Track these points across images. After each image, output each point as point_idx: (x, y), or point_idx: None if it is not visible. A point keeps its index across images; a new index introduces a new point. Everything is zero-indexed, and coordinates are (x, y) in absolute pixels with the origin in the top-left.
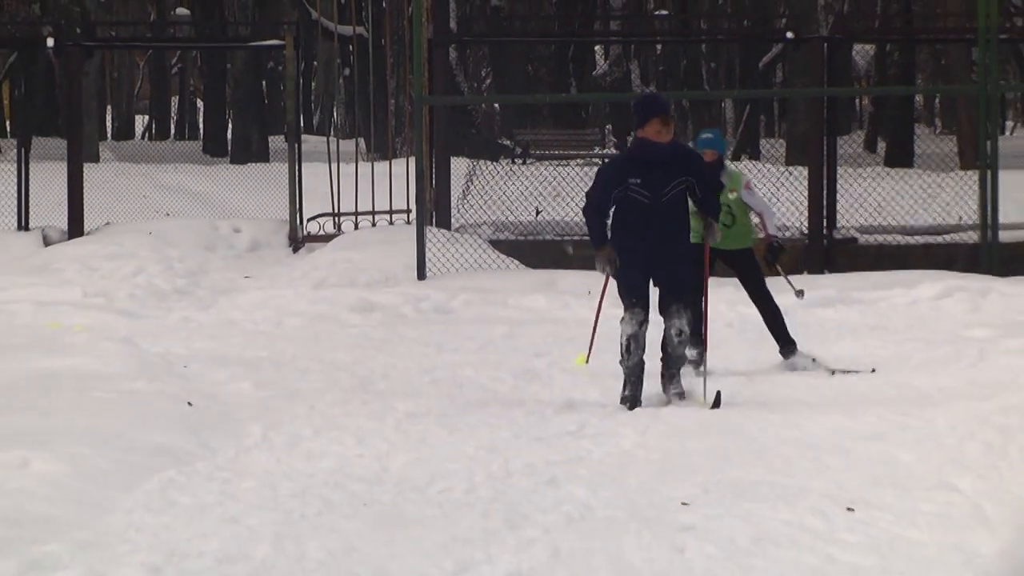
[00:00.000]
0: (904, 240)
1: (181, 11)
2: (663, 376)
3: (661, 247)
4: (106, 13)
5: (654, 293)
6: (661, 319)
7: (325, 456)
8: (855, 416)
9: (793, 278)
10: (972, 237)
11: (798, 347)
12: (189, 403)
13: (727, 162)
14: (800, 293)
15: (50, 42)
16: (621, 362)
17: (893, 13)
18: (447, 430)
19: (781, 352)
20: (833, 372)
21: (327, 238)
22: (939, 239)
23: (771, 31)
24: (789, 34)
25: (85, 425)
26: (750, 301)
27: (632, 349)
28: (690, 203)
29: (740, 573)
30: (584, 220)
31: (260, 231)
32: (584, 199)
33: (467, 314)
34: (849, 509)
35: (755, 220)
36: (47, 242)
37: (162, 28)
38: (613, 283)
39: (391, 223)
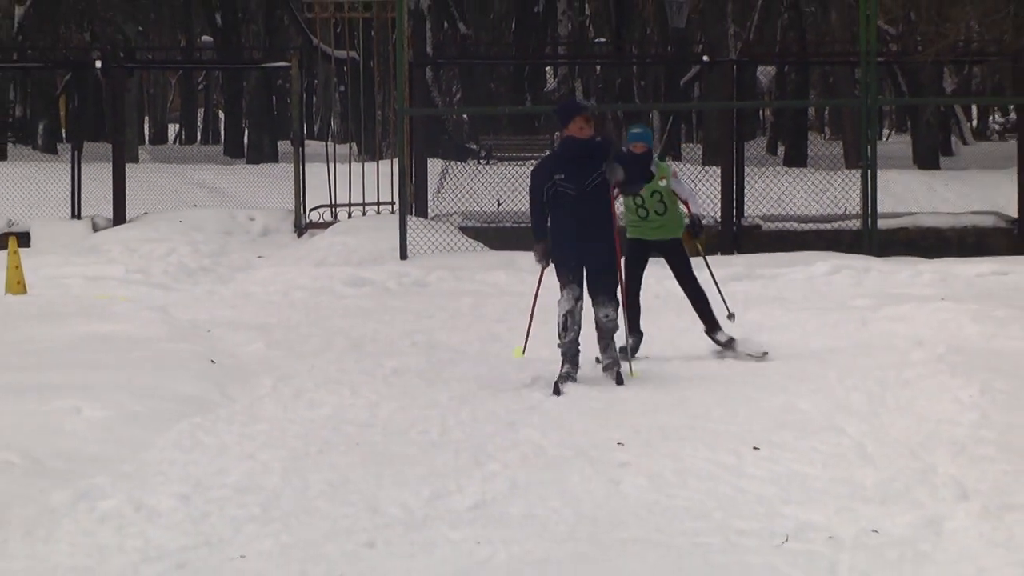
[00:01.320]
0: (800, 227)
1: (206, 38)
2: (599, 343)
3: (588, 233)
4: (144, 40)
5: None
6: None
7: (324, 404)
8: (761, 371)
9: (710, 258)
10: (855, 224)
11: (720, 327)
12: (212, 361)
13: (655, 156)
14: (731, 316)
15: (98, 64)
16: (559, 344)
17: (790, 40)
18: (425, 383)
19: (706, 332)
20: (731, 315)
21: (325, 225)
22: (828, 226)
23: (690, 55)
24: (705, 57)
25: (126, 379)
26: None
27: (568, 325)
28: (629, 199)
29: (667, 501)
30: (532, 217)
31: (270, 219)
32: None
33: (441, 288)
34: (755, 448)
35: (682, 208)
36: (96, 228)
37: (190, 52)
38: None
39: (378, 213)
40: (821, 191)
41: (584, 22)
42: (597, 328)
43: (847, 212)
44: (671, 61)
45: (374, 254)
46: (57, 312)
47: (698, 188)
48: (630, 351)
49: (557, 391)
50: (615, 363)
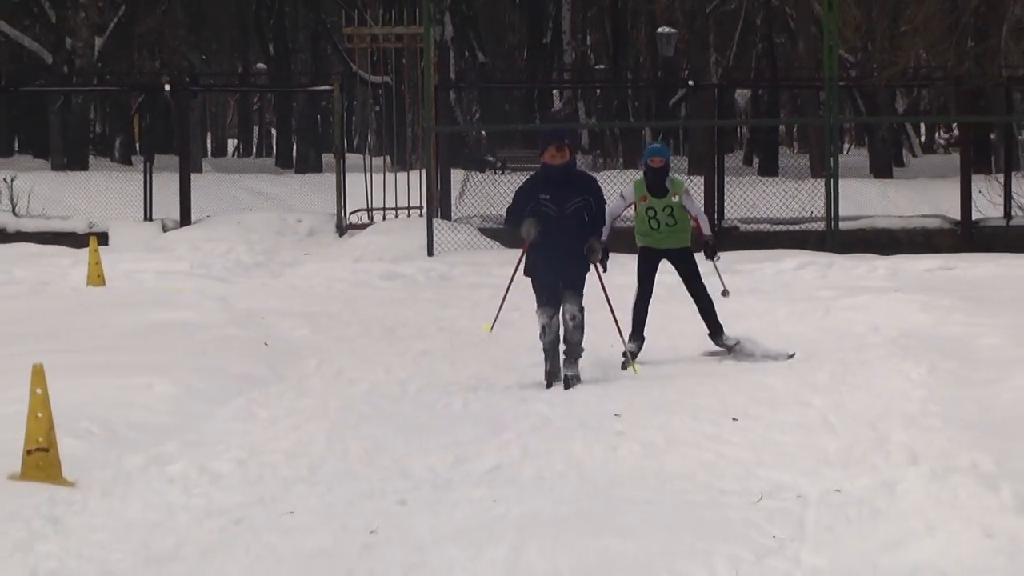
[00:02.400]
0: (772, 228)
1: (260, 65)
2: (563, 352)
3: (565, 251)
4: (206, 66)
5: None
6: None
7: (362, 382)
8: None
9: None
10: (820, 226)
11: (724, 331)
12: (265, 344)
13: (671, 172)
14: (725, 293)
15: (167, 87)
16: (541, 338)
17: (764, 67)
18: (448, 363)
19: (710, 335)
20: (725, 293)
21: (363, 227)
22: (797, 227)
23: (677, 80)
24: (690, 82)
25: (191, 359)
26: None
27: (547, 332)
28: (640, 209)
29: (657, 465)
30: (509, 224)
31: (316, 221)
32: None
33: (463, 281)
34: (734, 419)
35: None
36: (165, 229)
37: (246, 77)
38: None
39: (408, 216)
40: (790, 197)
41: (586, 51)
42: (563, 338)
43: (813, 215)
44: (661, 85)
45: (405, 252)
46: (131, 302)
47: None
48: (631, 355)
49: (549, 384)
50: (574, 378)
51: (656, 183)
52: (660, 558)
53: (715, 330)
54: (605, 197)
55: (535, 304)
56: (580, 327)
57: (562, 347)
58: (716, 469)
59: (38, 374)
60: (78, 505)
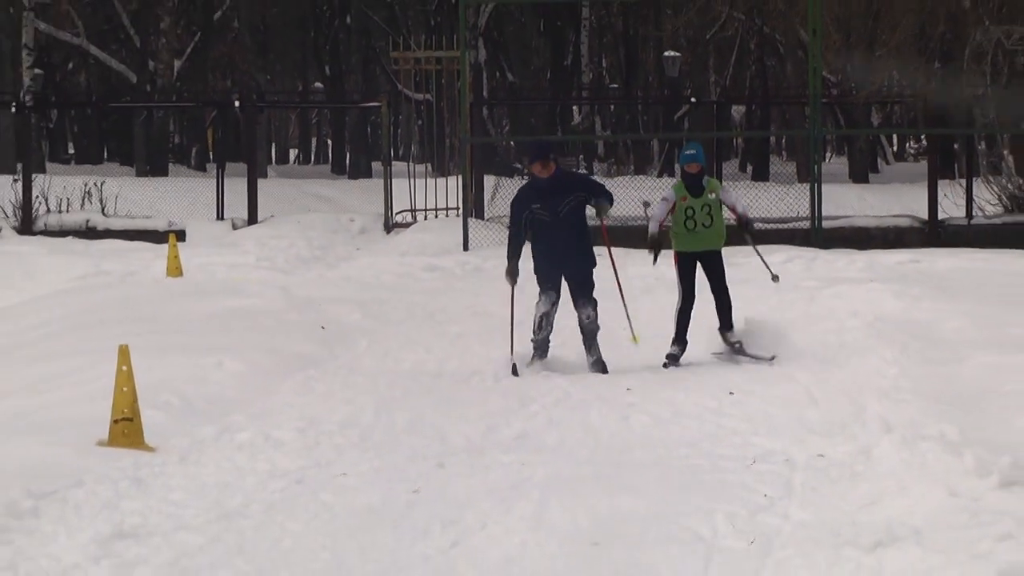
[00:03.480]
0: (764, 226)
1: (318, 85)
2: (584, 345)
3: (566, 249)
4: (271, 85)
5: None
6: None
7: (406, 360)
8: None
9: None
10: (805, 225)
11: (734, 330)
12: (322, 327)
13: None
14: (776, 278)
15: (237, 104)
16: (532, 338)
17: (756, 86)
18: (481, 344)
19: (720, 329)
20: (776, 278)
21: (407, 225)
22: (785, 226)
23: (681, 97)
24: (693, 99)
25: (257, 340)
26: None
27: (543, 326)
28: (680, 212)
29: (663, 433)
30: (511, 232)
31: (366, 220)
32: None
33: (494, 272)
34: (731, 393)
35: (727, 215)
36: (234, 227)
37: (305, 95)
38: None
39: (447, 216)
40: (780, 199)
41: (602, 72)
42: (581, 329)
43: (799, 215)
44: (667, 102)
45: (443, 247)
46: (205, 291)
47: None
48: (671, 358)
49: (515, 372)
50: (599, 362)
51: (694, 185)
52: (666, 514)
53: (727, 326)
54: (609, 191)
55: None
56: (595, 324)
57: (583, 339)
58: (715, 437)
59: (124, 353)
60: (158, 468)
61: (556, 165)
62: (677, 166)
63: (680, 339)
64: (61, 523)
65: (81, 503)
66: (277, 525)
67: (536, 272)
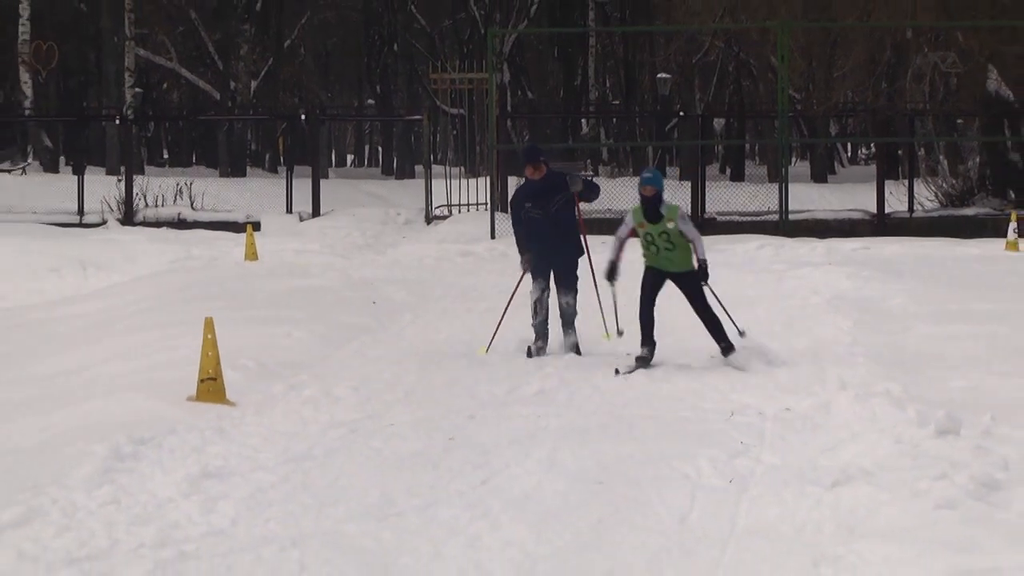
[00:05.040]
0: (740, 219)
1: (370, 101)
2: (562, 329)
3: (554, 243)
4: (331, 101)
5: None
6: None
7: (443, 331)
8: (715, 308)
9: None
10: (775, 217)
11: (730, 340)
12: (373, 302)
13: (664, 197)
14: (743, 333)
15: (303, 117)
16: (533, 324)
17: (734, 102)
18: (507, 318)
19: (722, 353)
20: (738, 336)
21: (444, 218)
22: (758, 218)
23: (672, 111)
24: (681, 113)
25: (319, 313)
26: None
27: (538, 310)
28: (641, 238)
29: (657, 391)
30: (516, 233)
31: (410, 213)
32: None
33: (516, 258)
34: (712, 357)
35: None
36: (301, 219)
37: (360, 109)
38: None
39: (477, 210)
40: (753, 197)
41: (605, 91)
42: (560, 314)
43: (769, 210)
44: (659, 115)
45: (475, 235)
46: (276, 272)
47: (677, 196)
48: (644, 359)
49: (529, 354)
50: (574, 345)
51: (650, 210)
52: (659, 458)
53: (724, 343)
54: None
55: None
56: (573, 310)
57: (560, 324)
58: (700, 394)
59: (209, 324)
60: (237, 419)
61: (547, 167)
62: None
63: (647, 340)
64: (157, 465)
65: (174, 448)
66: (336, 466)
67: (530, 263)
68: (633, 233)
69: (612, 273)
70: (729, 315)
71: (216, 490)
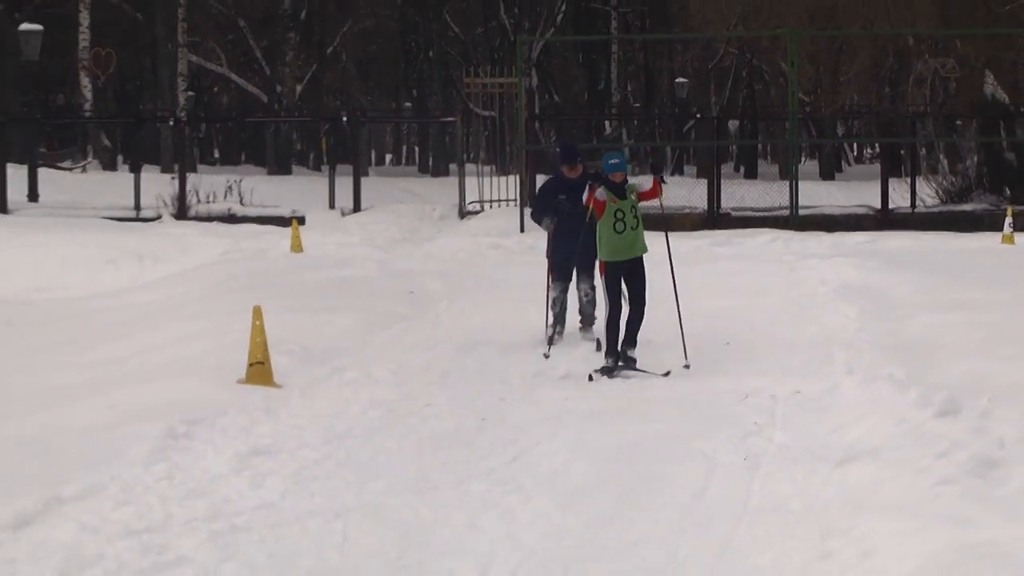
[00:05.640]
0: (753, 214)
1: (407, 104)
2: (579, 323)
3: (579, 239)
4: (371, 104)
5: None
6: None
7: (475, 318)
8: (722, 298)
9: (699, 233)
10: (785, 212)
11: (635, 347)
12: (410, 292)
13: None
14: (687, 367)
15: (344, 118)
16: (551, 308)
17: (748, 105)
18: (536, 306)
19: (623, 343)
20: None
21: (476, 213)
22: (769, 213)
23: (689, 113)
24: (698, 115)
25: (360, 302)
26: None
27: (556, 304)
28: (610, 215)
29: (676, 375)
30: (535, 219)
31: (444, 209)
32: (533, 207)
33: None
34: (727, 343)
35: (649, 187)
36: (343, 214)
37: (398, 111)
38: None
39: (507, 206)
40: (765, 193)
41: (627, 94)
42: (579, 309)
43: (780, 205)
44: (678, 117)
45: (505, 230)
46: (320, 263)
47: (695, 192)
48: (605, 371)
49: (550, 343)
50: (594, 339)
51: (618, 189)
52: (677, 437)
53: (630, 343)
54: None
55: (551, 280)
56: (592, 302)
57: (578, 318)
58: (716, 376)
59: (257, 312)
60: (284, 400)
61: (583, 167)
62: (687, 167)
63: (612, 350)
64: (209, 443)
65: (225, 427)
66: (375, 444)
67: (551, 260)
68: (598, 208)
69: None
70: (684, 343)
71: (264, 467)
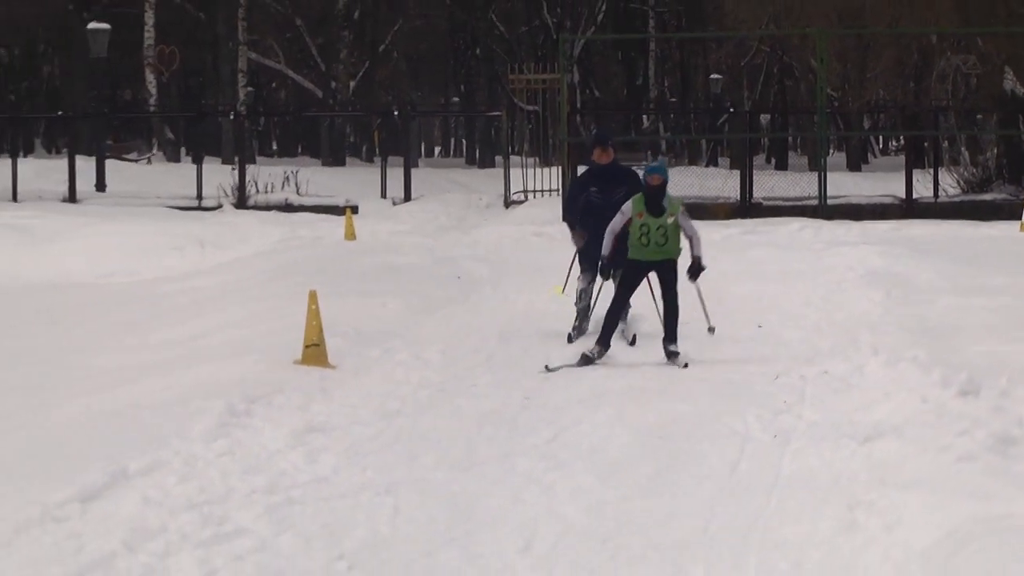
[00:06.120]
0: (783, 203)
1: (455, 99)
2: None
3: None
4: (421, 99)
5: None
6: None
7: (519, 301)
8: (754, 283)
9: (732, 222)
10: (814, 202)
11: (677, 342)
12: (458, 277)
13: (668, 190)
14: (711, 330)
15: (396, 113)
16: (576, 303)
17: (778, 100)
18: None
19: (664, 340)
20: (712, 330)
21: (521, 202)
22: (799, 203)
23: (723, 107)
24: (731, 109)
25: (410, 286)
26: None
27: (582, 297)
28: (635, 229)
29: (710, 356)
30: (567, 215)
31: (490, 198)
32: (564, 204)
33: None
34: (759, 326)
35: (684, 243)
36: (394, 203)
37: (446, 106)
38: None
39: (549, 195)
40: (795, 184)
41: (664, 89)
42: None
43: (809, 195)
44: (712, 111)
45: (547, 218)
46: (373, 250)
47: (728, 184)
48: (589, 359)
49: (570, 340)
50: (631, 335)
51: (653, 202)
52: (711, 415)
53: (671, 338)
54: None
55: (577, 271)
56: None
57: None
58: (747, 358)
59: (313, 296)
60: (338, 380)
61: (615, 153)
62: (721, 159)
63: (605, 341)
64: (267, 420)
65: (282, 405)
66: (424, 422)
67: (579, 252)
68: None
69: (607, 270)
70: (705, 310)
71: (319, 443)
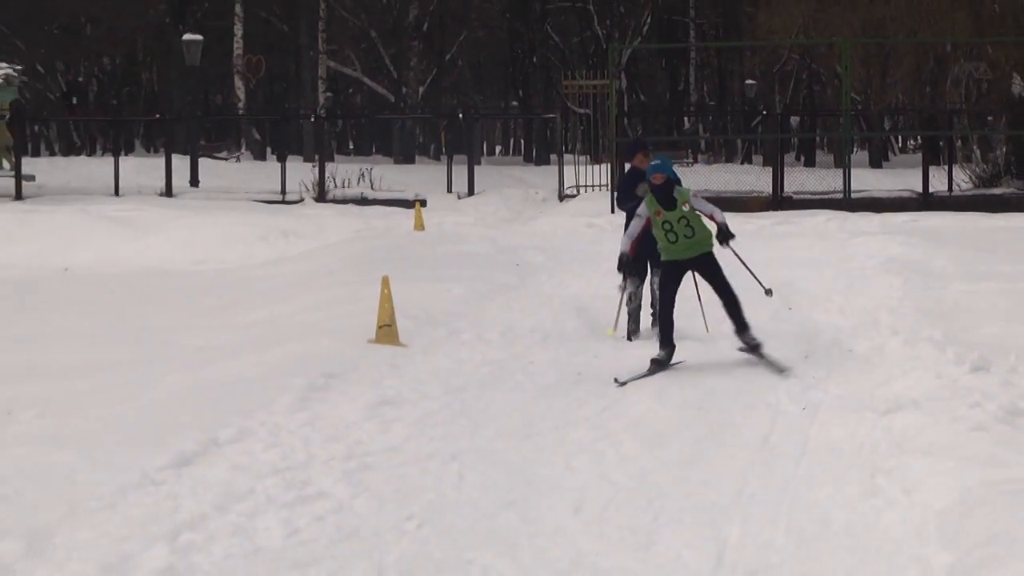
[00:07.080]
0: (812, 197)
1: (514, 103)
2: (652, 317)
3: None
4: (483, 102)
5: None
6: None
7: (571, 286)
8: (784, 270)
9: (765, 214)
10: (839, 196)
11: (750, 328)
12: (517, 264)
13: (686, 184)
14: (769, 292)
15: (460, 115)
16: (627, 304)
17: (806, 103)
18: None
19: (736, 332)
20: (768, 291)
21: (574, 196)
22: (826, 196)
23: (756, 110)
24: (764, 112)
25: (474, 273)
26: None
27: (633, 298)
28: (659, 227)
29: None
30: (622, 203)
31: (546, 193)
32: (618, 195)
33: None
34: (789, 309)
35: (708, 222)
36: (459, 197)
37: (505, 109)
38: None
39: (600, 190)
40: (822, 179)
41: (703, 94)
42: (651, 303)
43: (835, 190)
44: (747, 113)
45: (598, 211)
46: (440, 240)
47: (761, 179)
48: (660, 363)
49: (630, 338)
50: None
51: (664, 197)
52: (746, 389)
53: (741, 327)
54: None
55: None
56: None
57: (650, 310)
58: (776, 337)
59: (385, 282)
60: (408, 358)
61: (650, 155)
62: (755, 157)
63: (667, 342)
64: (344, 394)
65: (357, 381)
66: (486, 396)
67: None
68: (647, 225)
69: (626, 264)
70: (755, 276)
71: (391, 415)
